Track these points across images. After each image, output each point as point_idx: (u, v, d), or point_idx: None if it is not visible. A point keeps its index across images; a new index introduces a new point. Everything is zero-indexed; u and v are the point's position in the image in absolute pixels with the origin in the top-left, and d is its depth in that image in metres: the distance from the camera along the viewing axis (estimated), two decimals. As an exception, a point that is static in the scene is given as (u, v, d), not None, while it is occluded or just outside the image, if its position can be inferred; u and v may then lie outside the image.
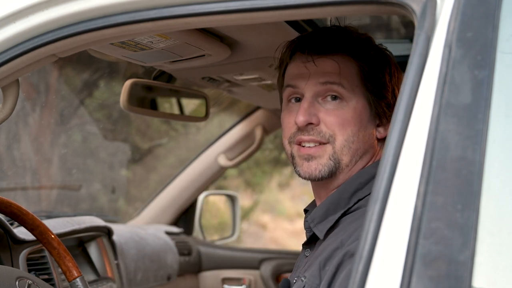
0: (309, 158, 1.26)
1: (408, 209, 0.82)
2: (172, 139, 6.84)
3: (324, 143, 1.25)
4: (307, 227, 1.31)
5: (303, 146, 1.27)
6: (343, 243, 1.17)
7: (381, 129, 1.29)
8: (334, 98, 1.25)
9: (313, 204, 1.37)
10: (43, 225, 1.50)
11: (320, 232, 1.26)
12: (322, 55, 1.26)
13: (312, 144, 1.26)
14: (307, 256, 1.32)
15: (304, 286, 1.21)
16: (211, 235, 3.63)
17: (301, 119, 1.24)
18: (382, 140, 1.29)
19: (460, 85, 0.84)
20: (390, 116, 1.28)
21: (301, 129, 1.26)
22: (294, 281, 1.28)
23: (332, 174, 1.26)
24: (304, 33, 1.40)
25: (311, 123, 1.25)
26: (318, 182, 1.28)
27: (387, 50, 1.33)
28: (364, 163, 1.28)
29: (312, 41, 1.28)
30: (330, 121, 1.25)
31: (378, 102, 1.28)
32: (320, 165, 1.25)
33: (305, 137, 1.26)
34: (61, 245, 1.50)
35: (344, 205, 1.25)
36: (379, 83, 1.28)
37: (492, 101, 0.84)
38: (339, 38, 1.29)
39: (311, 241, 1.32)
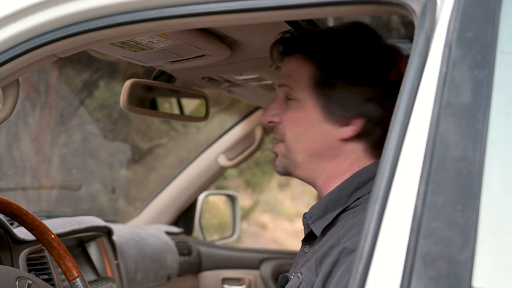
0: (275, 155, 1.35)
1: (408, 209, 0.82)
2: (172, 139, 6.85)
3: (280, 141, 1.32)
4: (305, 223, 1.31)
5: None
6: (340, 241, 1.17)
7: (345, 129, 1.26)
8: (291, 99, 1.30)
9: None
10: (43, 225, 1.50)
11: (317, 229, 1.27)
12: (285, 57, 1.33)
13: (277, 142, 1.34)
14: (305, 253, 1.32)
15: (301, 283, 1.22)
16: (211, 235, 3.64)
17: (263, 118, 1.35)
18: (354, 140, 1.27)
19: (460, 85, 0.84)
20: (351, 116, 1.25)
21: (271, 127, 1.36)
22: (292, 276, 1.28)
23: (288, 171, 1.32)
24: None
25: (272, 122, 1.33)
26: (304, 181, 1.36)
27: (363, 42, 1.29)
28: (328, 163, 1.29)
29: (279, 43, 1.34)
30: (283, 121, 1.31)
31: (333, 102, 1.26)
32: (278, 161, 1.34)
33: (272, 134, 1.36)
34: (61, 245, 1.50)
35: (343, 203, 1.25)
36: (335, 83, 1.26)
37: (492, 101, 0.84)
38: (297, 40, 1.31)
39: (310, 237, 1.32)
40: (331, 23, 1.83)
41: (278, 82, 1.32)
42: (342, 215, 1.25)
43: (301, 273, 1.23)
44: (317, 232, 1.27)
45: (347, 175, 1.27)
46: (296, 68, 1.29)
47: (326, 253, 1.18)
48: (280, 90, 1.32)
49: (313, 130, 1.28)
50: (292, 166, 1.31)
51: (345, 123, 1.26)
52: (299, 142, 1.29)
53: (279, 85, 1.32)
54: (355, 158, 1.28)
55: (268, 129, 2.63)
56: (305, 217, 1.31)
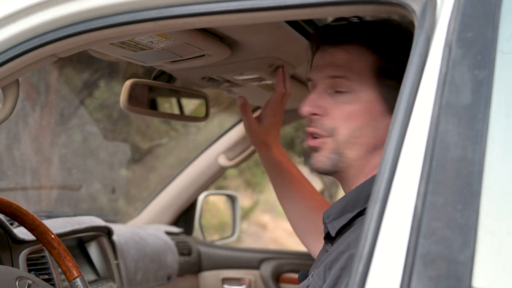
0: (314, 149, 1.26)
1: (408, 209, 0.82)
2: (172, 139, 6.85)
3: (326, 136, 1.24)
4: (323, 222, 1.29)
5: (311, 138, 1.27)
6: (349, 247, 1.15)
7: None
8: (342, 91, 1.23)
9: None
10: (43, 225, 1.50)
11: (333, 229, 1.24)
12: (336, 46, 1.25)
13: (316, 136, 1.26)
14: (327, 251, 1.29)
15: (308, 286, 1.21)
16: (211, 235, 3.64)
17: (303, 108, 1.25)
18: None
19: (460, 85, 0.84)
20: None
21: (308, 119, 1.26)
22: (310, 275, 1.27)
23: (337, 168, 1.25)
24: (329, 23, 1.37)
25: (315, 114, 1.25)
26: (337, 178, 1.28)
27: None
28: (371, 159, 1.24)
29: (329, 31, 1.27)
30: (335, 114, 1.23)
31: (394, 95, 1.23)
32: (323, 157, 1.25)
33: (309, 128, 1.26)
34: (61, 245, 1.50)
35: (362, 204, 1.21)
36: (395, 75, 1.20)
37: (492, 101, 0.84)
38: (356, 28, 1.25)
39: (330, 236, 1.28)
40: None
41: (325, 73, 1.25)
42: (359, 217, 1.22)
43: (312, 275, 1.22)
44: (332, 232, 1.24)
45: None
46: (358, 58, 1.23)
47: (336, 259, 1.17)
48: (324, 81, 1.25)
49: (375, 123, 1.22)
50: (344, 163, 1.24)
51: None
52: (357, 137, 1.22)
53: (331, 76, 1.24)
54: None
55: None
56: (323, 216, 1.29)
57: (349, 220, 1.23)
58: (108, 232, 2.18)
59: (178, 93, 1.91)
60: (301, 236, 1.72)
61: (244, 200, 8.12)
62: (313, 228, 1.68)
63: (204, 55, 1.52)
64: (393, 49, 1.22)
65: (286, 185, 1.73)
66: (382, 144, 1.21)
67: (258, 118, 1.72)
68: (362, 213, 1.22)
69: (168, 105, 2.15)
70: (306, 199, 1.71)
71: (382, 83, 1.21)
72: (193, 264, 2.72)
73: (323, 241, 1.62)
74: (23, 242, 1.68)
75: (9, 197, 1.50)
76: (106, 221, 2.24)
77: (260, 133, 1.70)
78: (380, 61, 1.22)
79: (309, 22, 1.60)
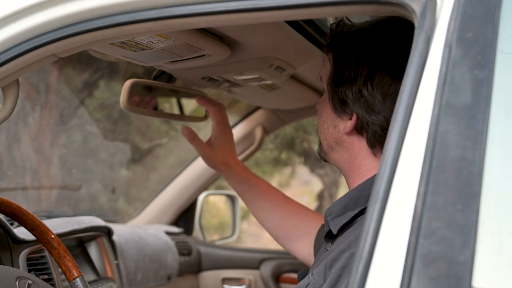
0: None
1: (408, 209, 0.82)
2: (172, 139, 6.85)
3: None
4: (325, 220, 1.30)
5: None
6: (350, 246, 1.16)
7: (348, 123, 1.27)
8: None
9: None
10: (43, 225, 1.50)
11: (335, 227, 1.25)
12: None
13: None
14: (327, 250, 1.30)
15: (308, 284, 1.21)
16: (211, 235, 3.64)
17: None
18: (356, 134, 1.28)
19: (460, 85, 0.84)
20: (351, 111, 1.27)
21: None
22: (310, 274, 1.28)
23: (323, 158, 1.38)
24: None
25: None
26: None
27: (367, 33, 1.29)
28: (345, 155, 1.31)
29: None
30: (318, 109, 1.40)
31: (337, 97, 1.29)
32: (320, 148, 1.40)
33: None
34: (61, 245, 1.50)
35: (364, 203, 1.23)
36: (340, 79, 1.28)
37: (492, 101, 0.84)
38: (330, 39, 1.33)
39: (331, 235, 1.30)
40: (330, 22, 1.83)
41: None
42: (360, 216, 1.23)
43: (312, 274, 1.22)
44: (334, 230, 1.25)
45: (365, 172, 1.27)
46: (327, 63, 1.34)
47: (336, 257, 1.17)
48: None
49: (327, 122, 1.32)
50: (323, 154, 1.36)
51: (349, 117, 1.27)
52: (321, 132, 1.35)
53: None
54: (358, 153, 1.28)
55: (269, 129, 2.63)
56: (325, 213, 1.30)
57: (350, 218, 1.24)
58: (108, 232, 2.18)
59: (178, 93, 1.91)
60: (286, 244, 1.74)
61: (244, 200, 8.09)
62: (296, 231, 1.69)
63: (204, 55, 1.52)
64: (343, 57, 1.29)
65: (257, 197, 1.77)
66: (338, 142, 1.30)
67: (209, 142, 1.78)
68: (363, 211, 1.23)
69: (168, 105, 2.15)
70: (281, 206, 1.74)
71: (333, 87, 1.31)
72: (193, 264, 2.72)
73: (309, 243, 1.63)
74: (23, 242, 1.68)
75: (9, 197, 1.50)
76: (106, 221, 2.24)
77: (216, 155, 1.76)
78: (333, 67, 1.31)
79: (309, 22, 1.60)
